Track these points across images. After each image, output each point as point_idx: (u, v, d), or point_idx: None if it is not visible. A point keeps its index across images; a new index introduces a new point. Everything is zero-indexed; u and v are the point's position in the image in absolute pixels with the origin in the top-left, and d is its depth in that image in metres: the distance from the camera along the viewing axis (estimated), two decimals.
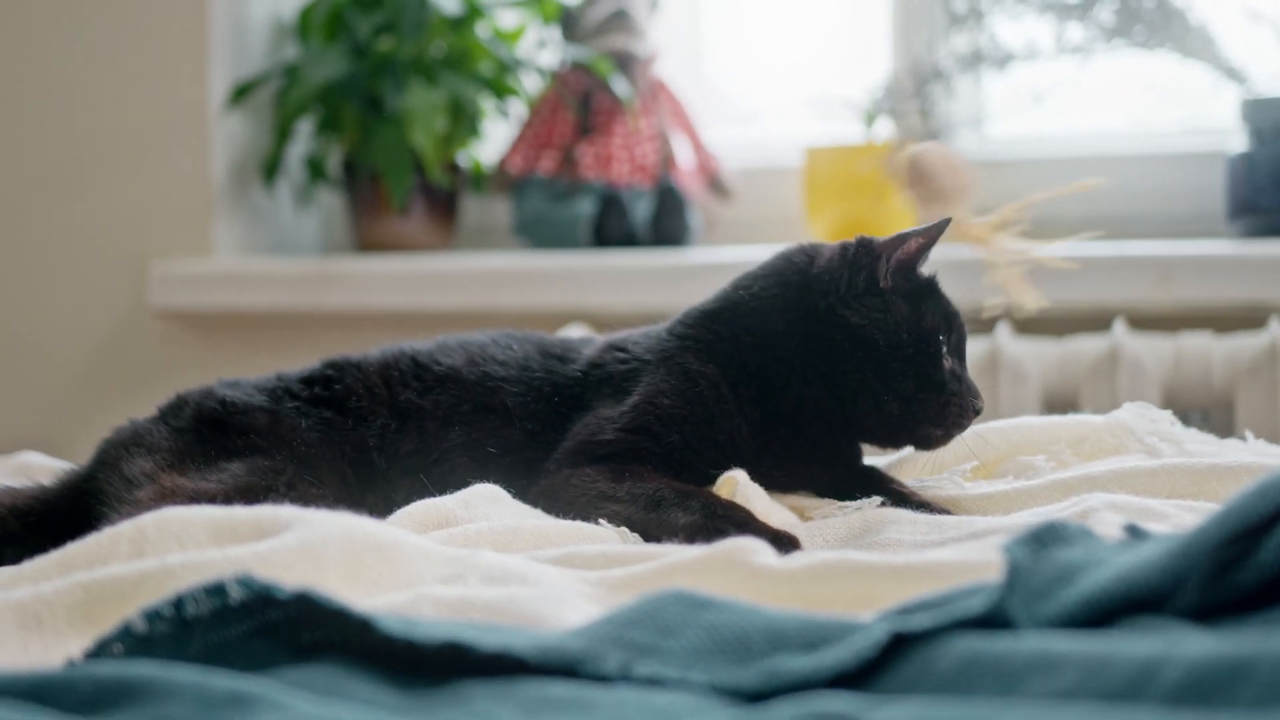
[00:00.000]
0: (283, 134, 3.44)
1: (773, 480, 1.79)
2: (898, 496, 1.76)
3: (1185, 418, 2.88)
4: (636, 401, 1.82)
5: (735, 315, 1.91)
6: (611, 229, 3.36)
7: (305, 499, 1.64)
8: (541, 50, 3.58)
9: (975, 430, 1.89)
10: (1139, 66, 3.11)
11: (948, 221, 1.86)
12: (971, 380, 1.85)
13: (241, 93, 3.45)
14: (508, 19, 3.58)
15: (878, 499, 1.73)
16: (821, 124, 3.44)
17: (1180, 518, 1.50)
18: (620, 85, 3.37)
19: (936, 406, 1.79)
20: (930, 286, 1.89)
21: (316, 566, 1.26)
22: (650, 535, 1.63)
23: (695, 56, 3.73)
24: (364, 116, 3.41)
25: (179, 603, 1.08)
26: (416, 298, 3.34)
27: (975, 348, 2.88)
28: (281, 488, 1.66)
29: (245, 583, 1.09)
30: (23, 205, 3.63)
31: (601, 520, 1.65)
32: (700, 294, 3.18)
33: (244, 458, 1.72)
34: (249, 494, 1.63)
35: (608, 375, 1.89)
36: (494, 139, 3.61)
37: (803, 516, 1.72)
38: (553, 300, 3.23)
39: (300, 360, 3.40)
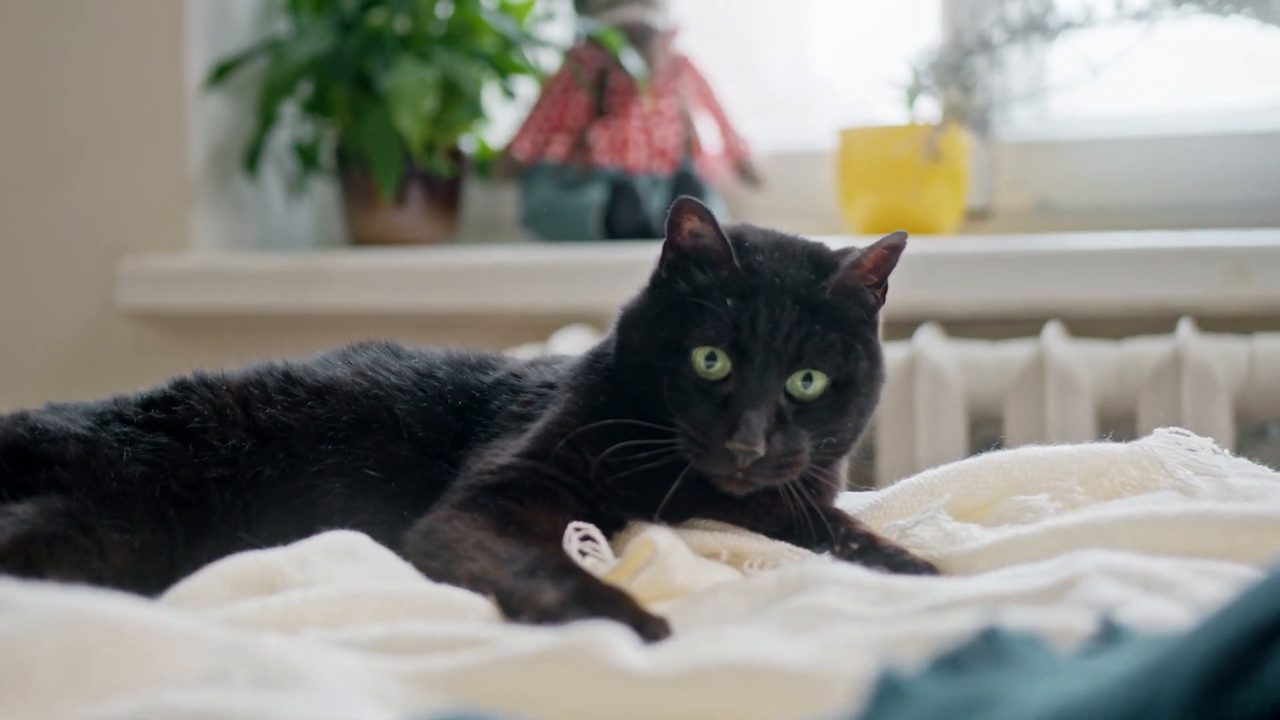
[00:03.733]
0: (266, 117, 3.25)
1: (723, 509, 1.61)
2: (863, 546, 1.54)
3: (1263, 431, 2.67)
4: (542, 425, 1.64)
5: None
6: (623, 220, 3.16)
7: (102, 547, 1.50)
8: (551, 24, 3.38)
9: (963, 466, 1.66)
10: (1211, 34, 2.87)
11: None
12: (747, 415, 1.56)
13: (222, 72, 3.27)
14: None
15: (828, 552, 1.53)
16: (862, 105, 3.23)
17: (1194, 588, 1.24)
18: (634, 61, 3.17)
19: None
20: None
21: (18, 668, 1.05)
22: (512, 608, 1.42)
23: (724, 31, 3.53)
24: (354, 98, 3.23)
25: None
26: (410, 296, 3.15)
27: (1019, 351, 2.66)
28: (72, 534, 1.49)
29: None
30: None
31: (463, 582, 1.45)
32: None
33: (38, 496, 1.55)
34: (28, 544, 1.47)
35: (518, 389, 1.72)
36: (501, 122, 3.42)
37: (739, 565, 1.51)
38: (557, 299, 3.04)
39: None
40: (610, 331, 1.79)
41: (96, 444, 1.61)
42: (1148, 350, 2.62)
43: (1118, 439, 2.65)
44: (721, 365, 1.60)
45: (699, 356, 1.61)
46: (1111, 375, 2.63)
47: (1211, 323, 2.67)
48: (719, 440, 1.55)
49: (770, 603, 1.31)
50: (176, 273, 3.29)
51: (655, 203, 3.18)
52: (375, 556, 1.43)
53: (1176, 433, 1.66)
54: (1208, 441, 1.66)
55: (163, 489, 1.60)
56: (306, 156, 3.35)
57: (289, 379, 1.71)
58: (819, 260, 1.68)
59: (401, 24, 3.23)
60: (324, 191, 3.52)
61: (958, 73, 2.89)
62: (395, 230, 3.31)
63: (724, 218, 3.19)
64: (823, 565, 1.36)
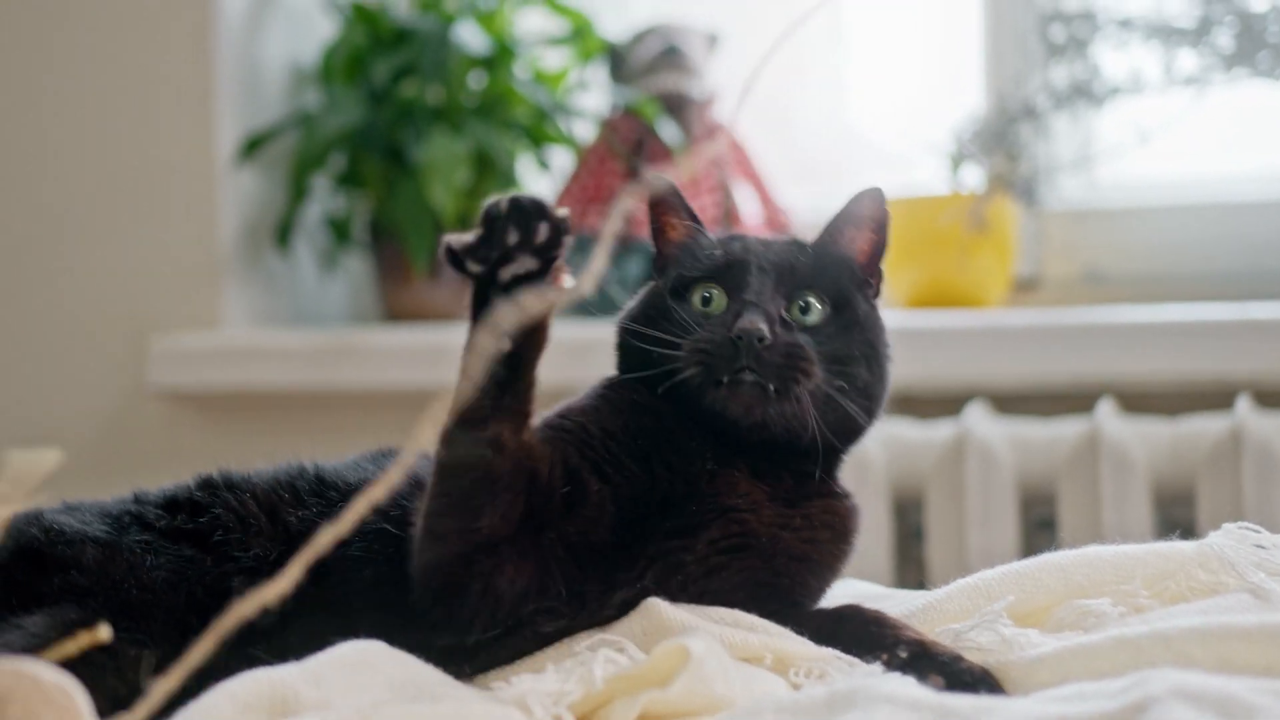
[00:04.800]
0: (298, 190, 3.22)
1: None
2: (914, 653, 1.47)
3: None
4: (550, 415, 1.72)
5: None
6: None
7: (119, 663, 1.43)
8: (587, 94, 3.35)
9: (1021, 568, 1.60)
10: (1264, 99, 2.81)
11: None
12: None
13: (253, 145, 3.24)
14: (550, 60, 3.35)
15: (878, 660, 1.46)
16: (902, 172, 3.18)
17: (1276, 713, 1.14)
18: (671, 130, 3.12)
19: None
20: None
21: None
22: None
23: (760, 99, 3.48)
24: (386, 170, 3.20)
25: None
26: (445, 373, 3.09)
27: (1071, 428, 2.60)
28: (87, 649, 1.42)
29: None
30: (7, 274, 3.44)
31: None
32: None
33: (51, 606, 1.48)
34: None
35: None
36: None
37: (784, 672, 1.44)
38: (598, 374, 2.98)
39: (315, 445, 3.20)
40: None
41: (117, 548, 1.55)
42: (1205, 427, 2.55)
43: (1174, 520, 2.61)
44: (718, 301, 1.64)
45: (695, 296, 1.65)
46: (1167, 453, 2.57)
47: (1271, 398, 2.60)
48: (722, 333, 1.58)
49: None
50: (206, 351, 3.25)
51: None
52: (390, 665, 1.37)
53: (1245, 528, 1.58)
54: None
55: (187, 596, 1.53)
56: (339, 230, 3.31)
57: (322, 482, 1.64)
58: (800, 242, 1.72)
59: (434, 95, 3.20)
60: (357, 266, 3.49)
61: (1003, 140, 2.84)
62: (430, 305, 3.27)
63: None
64: (875, 680, 1.29)
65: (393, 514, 1.59)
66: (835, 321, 1.64)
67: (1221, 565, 1.52)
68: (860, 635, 1.53)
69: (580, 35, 3.25)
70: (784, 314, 1.62)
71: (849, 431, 1.66)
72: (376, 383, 3.15)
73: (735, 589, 1.57)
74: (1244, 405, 2.53)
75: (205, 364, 3.25)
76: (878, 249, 1.73)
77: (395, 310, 3.31)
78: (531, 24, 3.40)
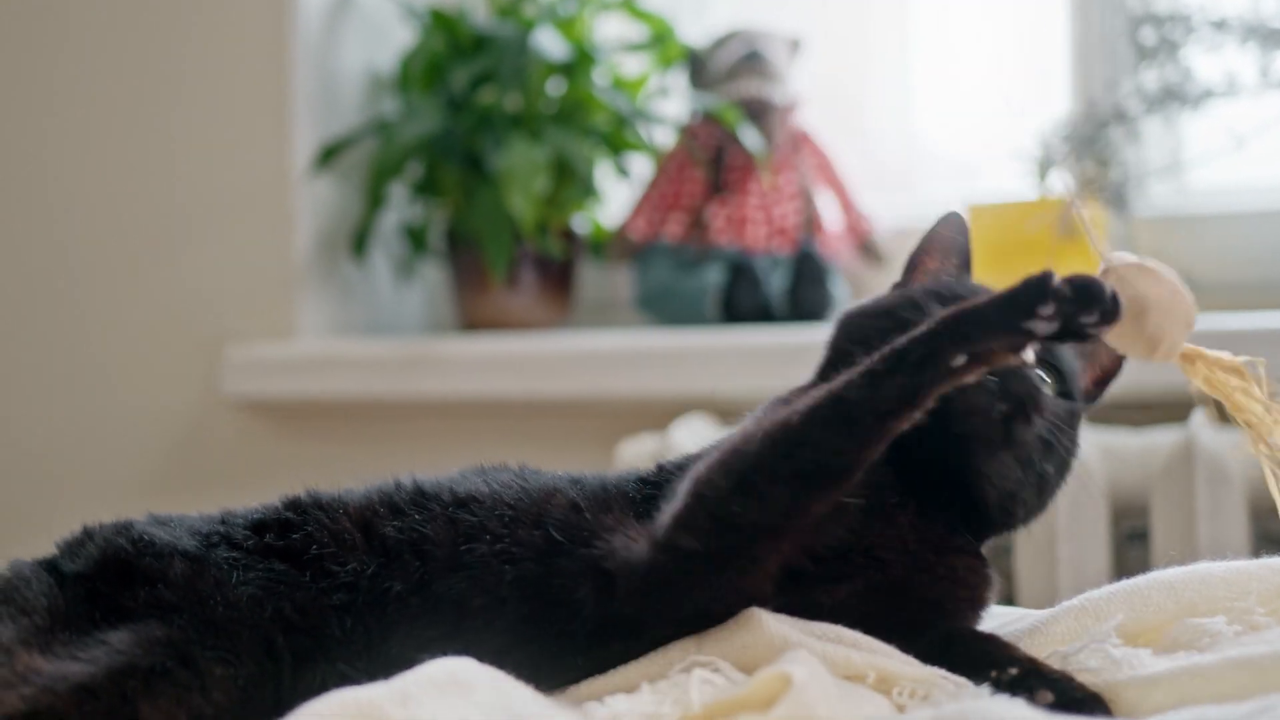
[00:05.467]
0: (374, 199, 3.20)
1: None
2: (1025, 670, 1.42)
3: None
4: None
5: None
6: (743, 301, 3.07)
7: (204, 682, 1.39)
8: (666, 100, 3.31)
9: (1130, 586, 1.55)
10: None
11: None
12: None
13: (329, 154, 3.23)
14: (629, 66, 3.32)
15: (986, 681, 1.40)
16: (990, 178, 3.13)
17: None
18: (752, 137, 3.08)
19: None
20: None
21: None
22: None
23: (850, 107, 3.44)
24: (464, 178, 3.17)
25: None
26: (522, 382, 3.07)
27: (1166, 438, 2.54)
28: (172, 667, 1.38)
29: None
30: (85, 284, 3.44)
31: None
32: None
33: (135, 623, 1.44)
34: (124, 678, 1.36)
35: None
36: (615, 201, 3.35)
37: (887, 692, 1.39)
38: (674, 385, 2.94)
39: (389, 454, 3.19)
40: None
41: (205, 564, 1.51)
42: None
43: (1271, 533, 2.54)
44: None
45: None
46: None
47: None
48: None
49: None
50: (282, 360, 3.23)
51: (775, 283, 3.09)
52: (483, 685, 1.32)
53: None
54: None
55: (274, 613, 1.49)
56: (416, 239, 3.29)
57: (422, 494, 1.60)
58: None
59: (512, 102, 3.17)
60: (433, 275, 3.47)
61: (1092, 145, 2.78)
62: (507, 313, 3.24)
63: (848, 297, 3.11)
64: (983, 702, 1.24)
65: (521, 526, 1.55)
66: (1059, 403, 1.59)
67: None
68: (970, 654, 1.48)
69: (660, 41, 3.22)
70: None
71: (1010, 519, 1.61)
72: (452, 392, 3.13)
73: (861, 622, 1.50)
74: None
75: (280, 373, 3.24)
76: (1105, 377, 1.71)
77: (471, 319, 3.29)
78: (611, 30, 3.37)
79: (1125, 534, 2.66)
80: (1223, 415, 2.16)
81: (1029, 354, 1.40)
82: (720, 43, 3.20)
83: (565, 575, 1.49)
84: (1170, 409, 2.63)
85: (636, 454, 2.78)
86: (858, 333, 1.63)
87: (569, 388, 3.04)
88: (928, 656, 1.47)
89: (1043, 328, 1.34)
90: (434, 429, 3.23)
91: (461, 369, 3.11)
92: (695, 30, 3.34)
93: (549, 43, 3.13)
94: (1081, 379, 1.67)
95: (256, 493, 3.04)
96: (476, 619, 1.49)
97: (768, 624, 1.42)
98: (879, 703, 1.36)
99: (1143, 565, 2.47)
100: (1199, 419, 2.53)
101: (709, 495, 1.43)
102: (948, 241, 1.73)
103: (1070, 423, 1.59)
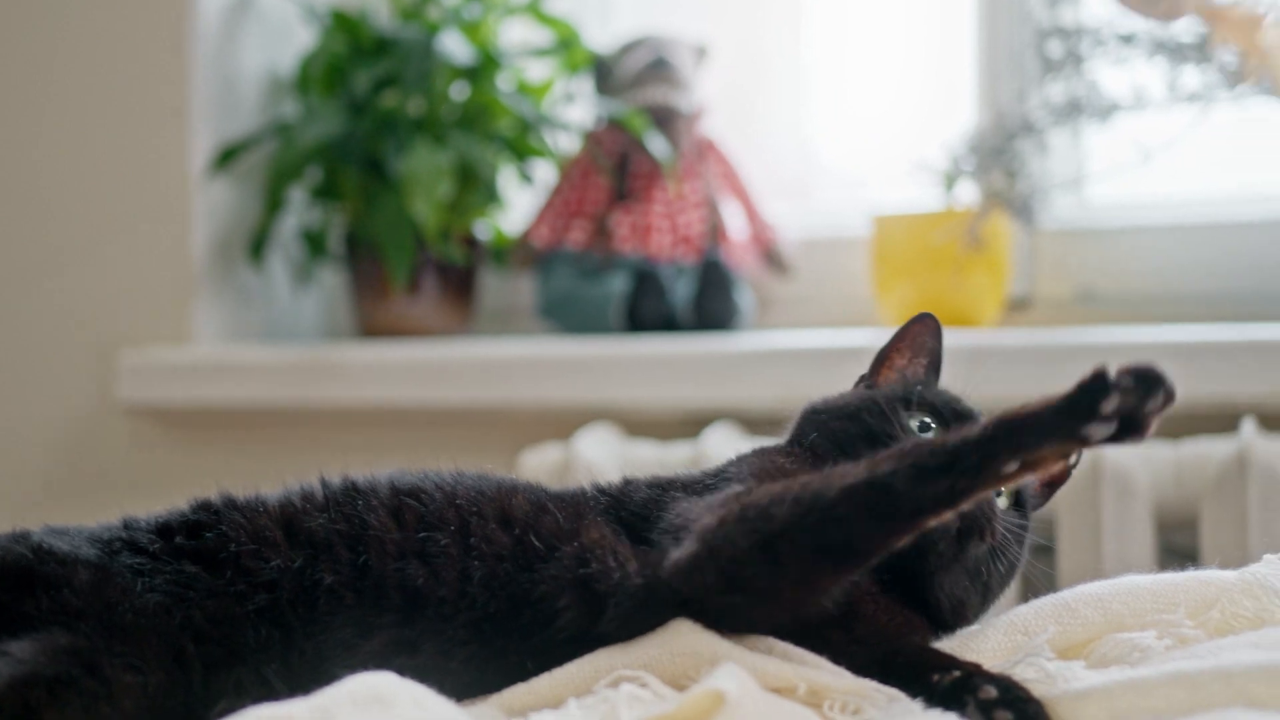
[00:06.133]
0: (273, 203, 3.15)
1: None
2: (969, 672, 1.41)
3: None
4: (750, 467, 1.59)
5: None
6: (647, 310, 3.04)
7: (111, 690, 1.35)
8: (571, 106, 3.28)
9: (1058, 600, 1.55)
10: (1268, 117, 2.76)
11: None
12: None
13: (228, 156, 3.17)
14: (534, 71, 3.28)
15: (928, 686, 1.40)
16: (894, 189, 3.12)
17: None
18: (658, 144, 3.06)
19: None
20: None
21: None
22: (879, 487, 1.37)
23: (750, 116, 3.42)
24: (365, 182, 3.12)
25: None
26: (424, 390, 3.03)
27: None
28: (78, 676, 1.34)
29: None
30: None
31: (777, 511, 1.38)
32: (750, 385, 2.90)
33: (39, 631, 1.40)
34: (27, 689, 1.32)
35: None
36: (518, 207, 3.32)
37: (817, 705, 1.36)
38: (579, 394, 2.91)
39: (288, 463, 3.12)
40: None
41: (109, 572, 1.47)
42: (1209, 450, 2.49)
43: (1175, 546, 2.55)
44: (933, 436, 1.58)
45: (914, 421, 1.61)
46: (1170, 478, 2.51)
47: (1275, 421, 2.55)
48: None
49: None
50: (178, 366, 3.17)
51: (680, 292, 3.06)
52: (404, 701, 1.28)
53: None
54: None
55: (182, 620, 1.45)
56: (314, 244, 3.24)
57: (354, 488, 1.57)
58: None
59: (415, 106, 3.13)
60: (332, 280, 3.41)
61: (1001, 156, 2.78)
62: (407, 320, 3.19)
63: (751, 309, 3.09)
64: (920, 716, 1.21)
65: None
66: (1011, 516, 1.60)
67: (1266, 594, 1.46)
68: (910, 662, 1.47)
69: (566, 46, 3.19)
70: None
71: (960, 621, 1.61)
72: (352, 400, 3.08)
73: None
74: (1249, 429, 2.47)
75: (176, 380, 3.18)
76: (1054, 482, 1.72)
77: (371, 326, 3.24)
78: (516, 34, 3.34)
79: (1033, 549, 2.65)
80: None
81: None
82: (626, 49, 3.18)
83: (547, 584, 1.47)
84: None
85: (540, 463, 2.75)
86: (829, 435, 1.63)
87: (471, 396, 3.00)
88: (868, 667, 1.46)
89: (1101, 431, 1.33)
90: (334, 437, 3.19)
91: (362, 376, 3.07)
92: (601, 36, 3.31)
93: (454, 46, 3.09)
94: (1032, 485, 1.69)
95: (152, 503, 2.97)
96: (438, 609, 1.47)
97: (697, 634, 1.40)
98: (809, 717, 1.34)
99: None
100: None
101: (724, 551, 1.42)
102: (919, 341, 1.73)
103: (1019, 534, 1.61)
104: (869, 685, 1.41)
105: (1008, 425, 1.35)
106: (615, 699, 1.30)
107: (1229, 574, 1.53)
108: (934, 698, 1.39)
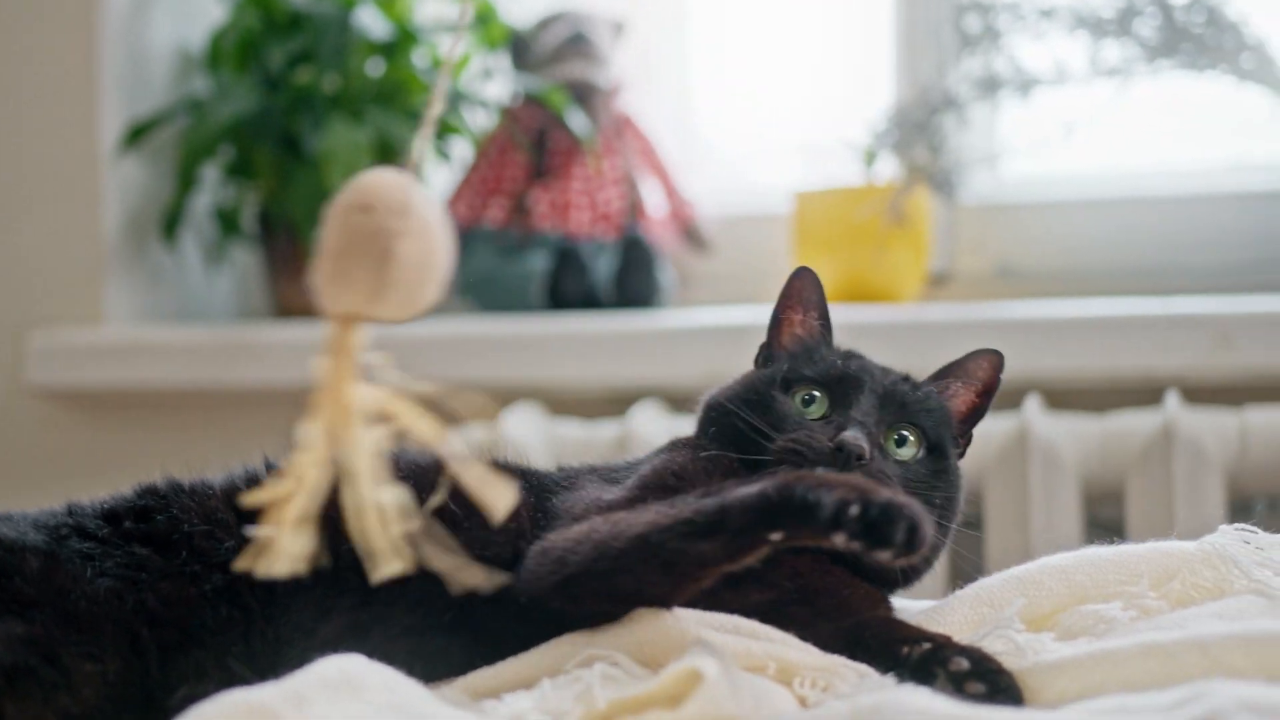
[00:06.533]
0: (186, 181, 3.09)
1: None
2: (939, 644, 1.41)
3: (1249, 507, 2.56)
4: (647, 469, 1.61)
5: None
6: (569, 288, 3.02)
7: (70, 679, 1.33)
8: (489, 82, 3.25)
9: (1022, 572, 1.56)
10: (1187, 91, 2.78)
11: None
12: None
13: (138, 133, 3.11)
14: (449, 46, 3.25)
15: (899, 659, 1.40)
16: (814, 166, 3.11)
17: None
18: (579, 121, 3.04)
19: None
20: None
21: None
22: (708, 524, 1.36)
23: (668, 92, 3.41)
24: (280, 160, 3.08)
25: None
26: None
27: (999, 425, 2.55)
28: (36, 664, 1.31)
29: None
30: None
31: (628, 545, 1.37)
32: (674, 363, 2.88)
33: None
34: None
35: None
36: (435, 185, 3.28)
37: (788, 681, 1.36)
38: (502, 372, 2.89)
39: (206, 445, 3.08)
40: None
41: (58, 558, 1.44)
42: (1135, 424, 2.51)
43: (1101, 518, 2.57)
44: (818, 407, 1.63)
45: (798, 396, 1.64)
46: (1096, 450, 2.52)
47: (1198, 393, 2.57)
48: (823, 440, 1.55)
49: None
50: (88, 347, 3.11)
51: (602, 269, 3.04)
52: (375, 685, 1.26)
53: (1242, 529, 1.53)
54: (1278, 539, 1.53)
55: (135, 604, 1.42)
56: (228, 222, 3.19)
57: None
58: (912, 379, 1.71)
59: (330, 83, 3.09)
60: (245, 259, 3.36)
61: (923, 131, 2.79)
62: None
63: (673, 285, 3.08)
64: (901, 695, 1.20)
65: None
66: (925, 464, 1.63)
67: (1225, 564, 1.48)
68: (881, 636, 1.47)
69: (483, 22, 3.15)
70: (881, 441, 1.61)
71: (913, 574, 1.64)
72: (270, 380, 3.04)
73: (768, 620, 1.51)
74: (1173, 402, 2.49)
75: (87, 361, 3.12)
76: (976, 412, 1.73)
77: (287, 305, 3.19)
78: (432, 10, 3.30)
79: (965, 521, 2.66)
80: None
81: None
82: (544, 24, 3.15)
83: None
84: (1002, 395, 2.64)
85: (465, 443, 2.72)
86: (723, 429, 1.65)
87: (392, 376, 2.96)
88: (836, 642, 1.46)
89: (850, 544, 1.32)
90: (252, 419, 3.14)
91: (278, 357, 3.02)
92: (518, 11, 3.28)
93: (370, 21, 3.05)
94: (959, 399, 1.72)
95: (66, 486, 2.90)
96: (388, 590, 1.44)
97: (666, 615, 1.39)
98: (783, 695, 1.33)
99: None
100: (1032, 405, 2.54)
101: (530, 586, 1.45)
102: (805, 296, 1.76)
103: (939, 474, 1.63)
104: (838, 661, 1.40)
105: (776, 504, 1.35)
106: (589, 678, 1.29)
107: (1188, 545, 1.54)
108: (904, 671, 1.39)
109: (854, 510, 1.30)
